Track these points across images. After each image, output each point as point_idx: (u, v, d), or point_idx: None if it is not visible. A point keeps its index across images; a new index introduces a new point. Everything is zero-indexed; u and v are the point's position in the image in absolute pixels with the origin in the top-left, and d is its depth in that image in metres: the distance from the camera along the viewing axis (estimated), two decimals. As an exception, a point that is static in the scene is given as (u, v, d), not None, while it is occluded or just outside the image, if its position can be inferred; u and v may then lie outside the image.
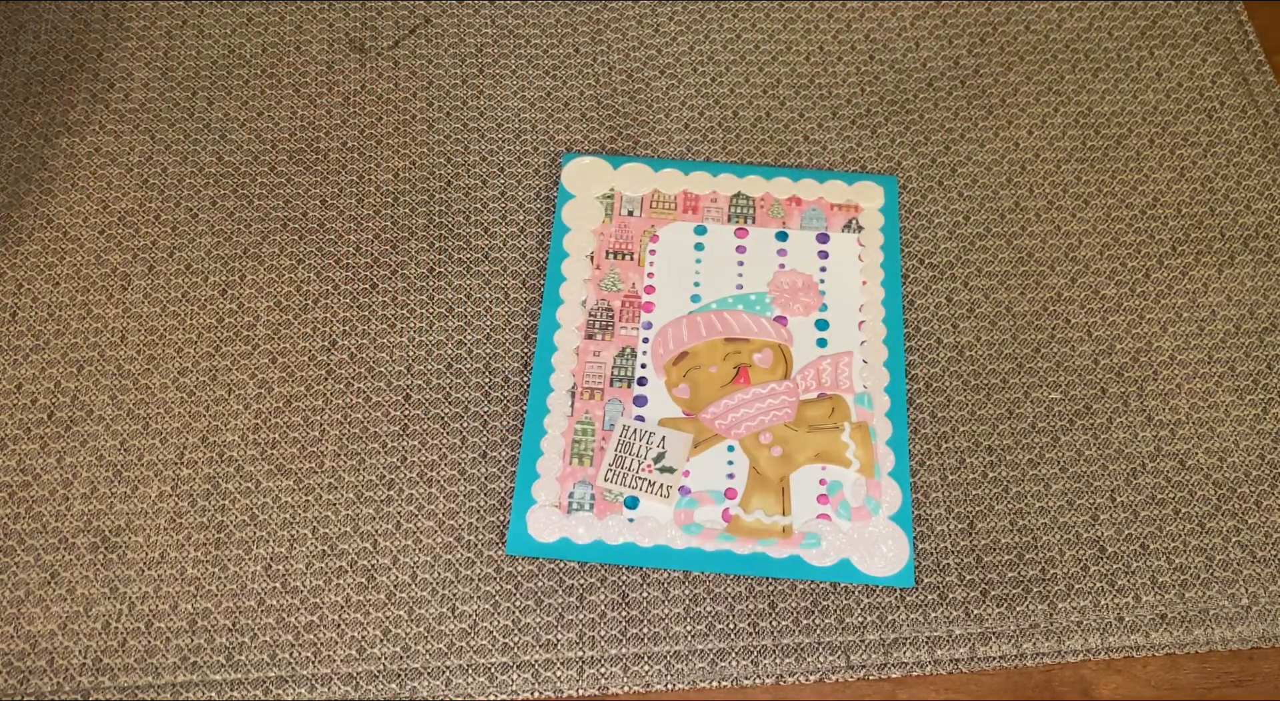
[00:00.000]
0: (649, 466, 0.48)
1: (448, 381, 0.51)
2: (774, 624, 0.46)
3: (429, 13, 0.62)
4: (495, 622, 0.46)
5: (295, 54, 0.60)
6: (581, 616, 0.46)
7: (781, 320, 0.52)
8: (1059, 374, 0.51)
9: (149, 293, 0.53)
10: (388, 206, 0.55)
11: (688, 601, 0.47)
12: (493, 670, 0.45)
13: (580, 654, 0.46)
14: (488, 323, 0.53)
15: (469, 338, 0.52)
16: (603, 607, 0.46)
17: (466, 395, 0.51)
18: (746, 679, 0.45)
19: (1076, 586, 0.47)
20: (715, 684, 0.45)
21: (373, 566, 0.47)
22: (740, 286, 0.53)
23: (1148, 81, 0.59)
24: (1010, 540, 0.48)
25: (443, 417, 0.51)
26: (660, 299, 0.53)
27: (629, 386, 0.51)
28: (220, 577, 0.47)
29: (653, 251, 0.54)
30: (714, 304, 0.53)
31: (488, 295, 0.53)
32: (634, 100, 0.58)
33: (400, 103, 0.58)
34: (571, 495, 0.48)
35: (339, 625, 0.46)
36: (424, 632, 0.46)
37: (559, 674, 0.45)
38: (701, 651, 0.46)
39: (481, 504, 0.49)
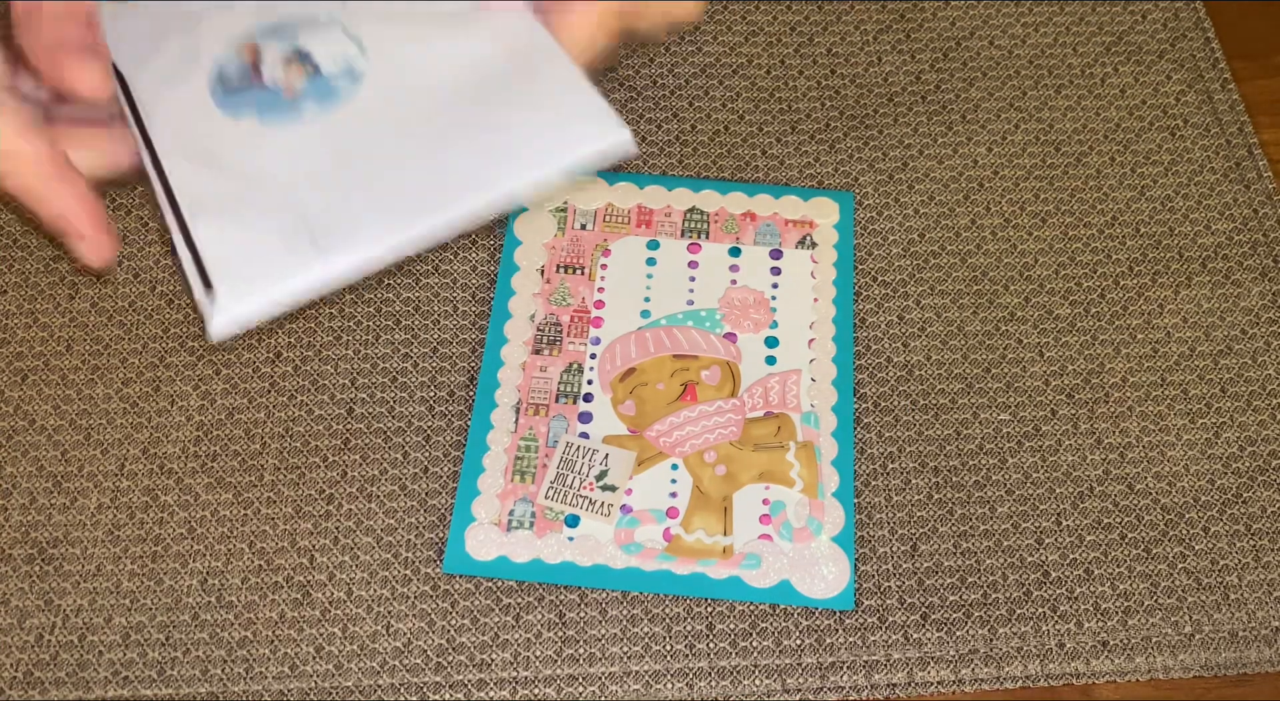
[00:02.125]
0: (590, 484, 0.48)
1: (392, 395, 0.51)
2: (711, 646, 0.46)
3: None
4: (430, 641, 0.46)
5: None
6: (517, 636, 0.46)
7: (731, 337, 0.52)
8: (1009, 395, 0.51)
9: (96, 302, 0.53)
10: (336, 218, 0.54)
11: (625, 622, 0.46)
12: (425, 689, 0.45)
13: (514, 674, 0.45)
14: (435, 336, 0.52)
15: (415, 351, 0.52)
16: (539, 627, 0.46)
17: (410, 409, 0.51)
18: (681, 701, 0.45)
19: (1018, 611, 0.46)
20: (649, 706, 0.45)
21: (308, 582, 0.47)
22: (691, 302, 0.53)
23: (1111, 98, 0.58)
24: (953, 563, 0.47)
25: (385, 432, 0.50)
26: (609, 314, 0.52)
27: (575, 403, 0.50)
28: (155, 591, 0.47)
29: (604, 266, 0.54)
30: (664, 320, 0.52)
31: (436, 308, 0.53)
32: (589, 113, 0.57)
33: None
34: (512, 513, 0.48)
35: (272, 641, 0.46)
36: (357, 650, 0.46)
37: (491, 694, 0.45)
38: (637, 672, 0.45)
39: (421, 520, 0.48)
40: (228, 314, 0.36)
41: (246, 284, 0.37)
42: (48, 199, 0.40)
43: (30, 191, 0.40)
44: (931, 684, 0.45)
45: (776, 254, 0.54)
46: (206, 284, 0.37)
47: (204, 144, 0.41)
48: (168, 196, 0.40)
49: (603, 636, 0.46)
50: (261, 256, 0.38)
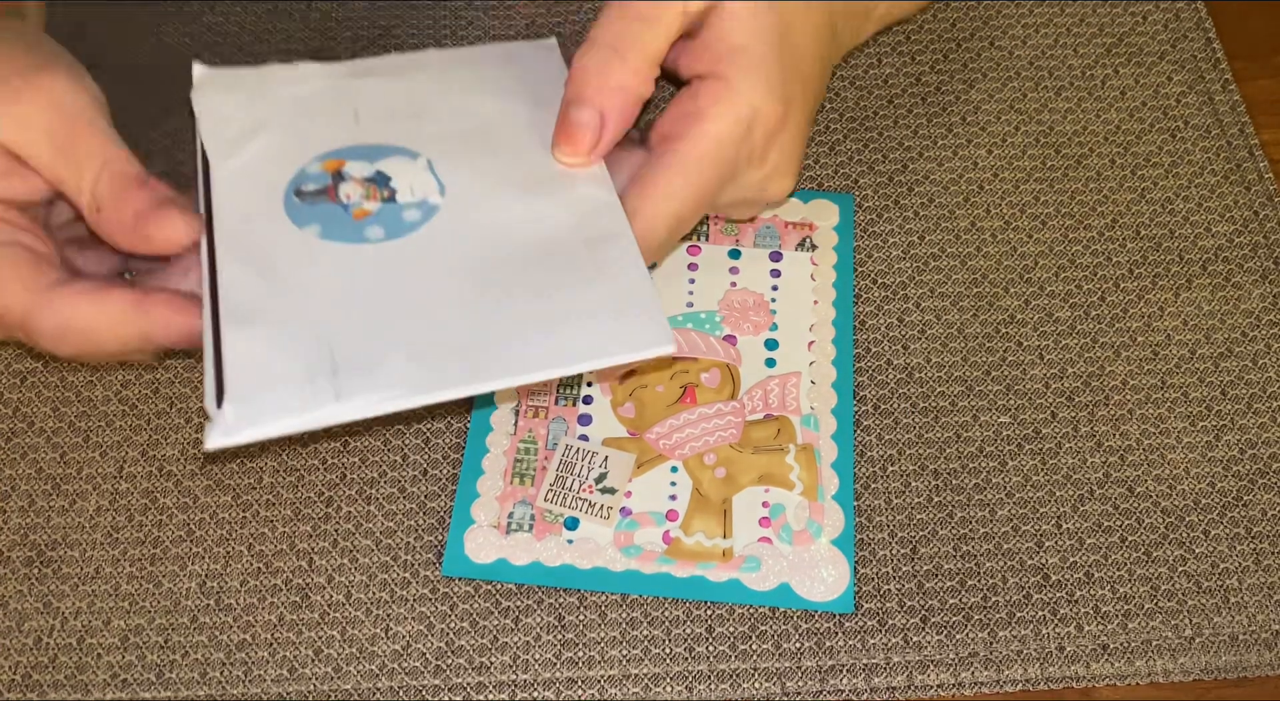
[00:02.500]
0: (590, 487, 0.48)
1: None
2: (710, 649, 0.46)
3: (388, 23, 0.61)
4: (429, 644, 0.46)
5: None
6: (516, 639, 0.46)
7: (731, 339, 0.52)
8: (1009, 398, 0.51)
9: (95, 304, 0.53)
10: (336, 220, 0.54)
11: (624, 625, 0.46)
12: (424, 692, 0.45)
13: (513, 677, 0.45)
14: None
15: (414, 353, 0.52)
16: (538, 630, 0.46)
17: (410, 412, 0.50)
18: (680, 704, 0.45)
19: (1018, 614, 0.46)
20: (649, 709, 0.45)
21: (307, 585, 0.47)
22: (690, 304, 0.53)
23: (1111, 100, 0.58)
24: (953, 566, 0.47)
25: (384, 434, 0.50)
26: (609, 316, 0.52)
27: (574, 405, 0.50)
28: (154, 593, 0.47)
29: (604, 268, 0.54)
30: (663, 322, 0.52)
31: (435, 310, 0.53)
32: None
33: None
34: (511, 515, 0.48)
35: (271, 644, 0.46)
36: (356, 653, 0.46)
37: (490, 696, 0.45)
38: (636, 676, 0.45)
39: (420, 523, 0.48)
40: (230, 437, 0.37)
41: (257, 412, 0.37)
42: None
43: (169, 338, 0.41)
44: (931, 687, 0.45)
45: (776, 256, 0.54)
46: (220, 395, 0.37)
47: (261, 246, 0.41)
48: (212, 293, 0.40)
49: (602, 639, 0.46)
50: (280, 387, 0.37)
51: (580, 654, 0.46)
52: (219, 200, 0.43)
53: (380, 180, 0.43)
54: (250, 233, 0.42)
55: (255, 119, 0.45)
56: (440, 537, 0.48)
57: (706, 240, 0.54)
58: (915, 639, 0.46)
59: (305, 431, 0.37)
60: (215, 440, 0.36)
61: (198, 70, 0.47)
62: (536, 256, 0.41)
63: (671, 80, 0.46)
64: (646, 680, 0.45)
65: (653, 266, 0.49)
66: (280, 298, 0.40)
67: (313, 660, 0.46)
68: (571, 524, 0.47)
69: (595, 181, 0.44)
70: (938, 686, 0.45)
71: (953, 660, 0.45)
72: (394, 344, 0.38)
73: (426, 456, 0.50)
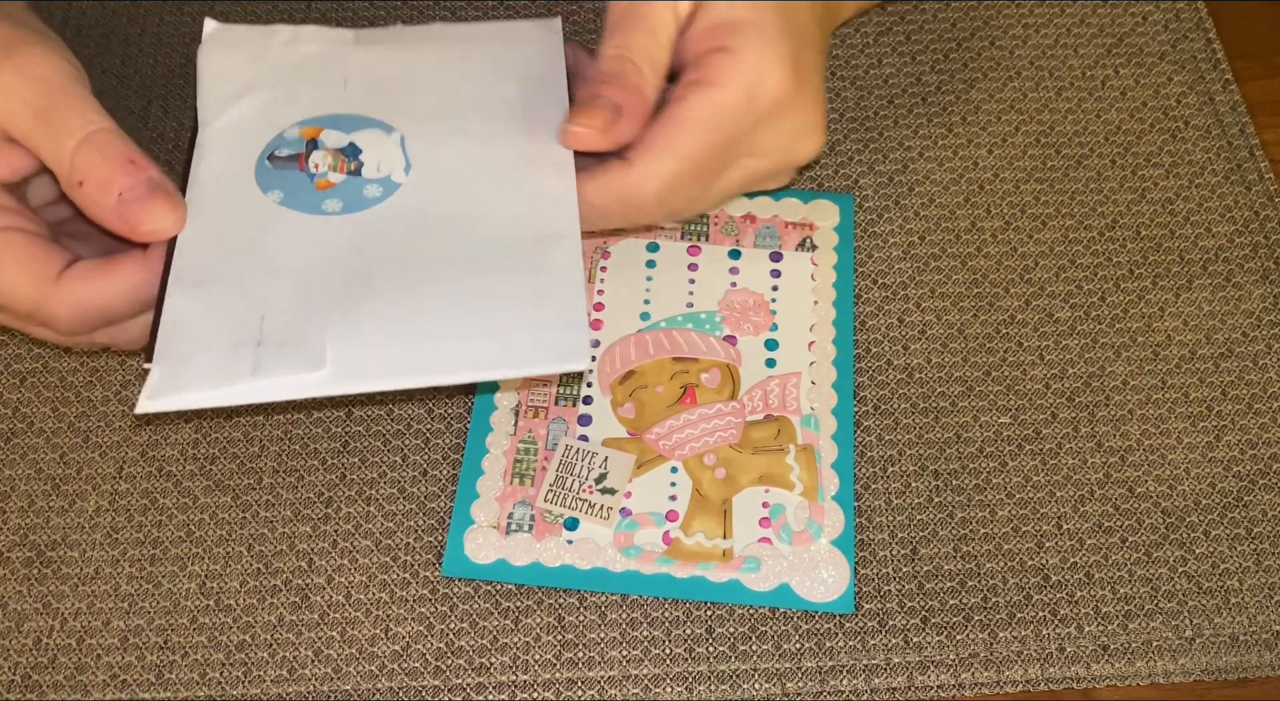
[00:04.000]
0: (590, 487, 0.48)
1: (390, 398, 0.51)
2: (710, 649, 0.46)
3: (388, 23, 0.61)
4: (428, 645, 0.46)
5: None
6: (516, 639, 0.46)
7: (731, 340, 0.52)
8: (1009, 398, 0.51)
9: (95, 304, 0.53)
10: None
11: (624, 625, 0.46)
12: (423, 693, 0.45)
13: (513, 677, 0.45)
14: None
15: (414, 354, 0.52)
16: (538, 630, 0.46)
17: (409, 412, 0.51)
18: (680, 705, 0.45)
19: (1018, 615, 0.46)
20: (649, 710, 0.45)
21: (307, 585, 0.47)
22: (690, 305, 0.53)
23: (1112, 100, 0.58)
24: (953, 567, 0.47)
25: (384, 434, 0.50)
26: (609, 316, 0.52)
27: (574, 405, 0.50)
28: (154, 594, 0.47)
29: (604, 268, 0.54)
30: (663, 322, 0.52)
31: (435, 310, 0.53)
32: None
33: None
34: (511, 516, 0.48)
35: (270, 645, 0.46)
36: (356, 654, 0.46)
37: (490, 697, 0.45)
38: (636, 677, 0.45)
39: (420, 523, 0.48)
40: (155, 402, 0.38)
41: (181, 379, 0.38)
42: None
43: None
44: (931, 687, 0.45)
45: (776, 256, 0.54)
46: (149, 355, 0.38)
47: (223, 207, 0.42)
48: (169, 251, 0.41)
49: (602, 640, 0.46)
50: (206, 354, 0.38)
51: (580, 654, 0.46)
52: (202, 156, 0.43)
53: (350, 152, 0.44)
54: (217, 193, 0.43)
55: (250, 77, 0.46)
56: (440, 538, 0.48)
57: (706, 240, 0.54)
58: (915, 639, 0.46)
59: (227, 405, 0.38)
60: (142, 405, 0.38)
61: (209, 25, 0.48)
62: (482, 250, 0.42)
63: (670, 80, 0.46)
64: (646, 681, 0.45)
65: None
66: (228, 261, 0.41)
67: (312, 661, 0.45)
68: (571, 524, 0.47)
69: (559, 174, 0.44)
70: (938, 687, 0.45)
71: (953, 661, 0.45)
72: (321, 324, 0.39)
73: (426, 456, 0.50)
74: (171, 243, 0.41)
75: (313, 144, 0.44)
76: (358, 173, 0.43)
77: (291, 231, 0.42)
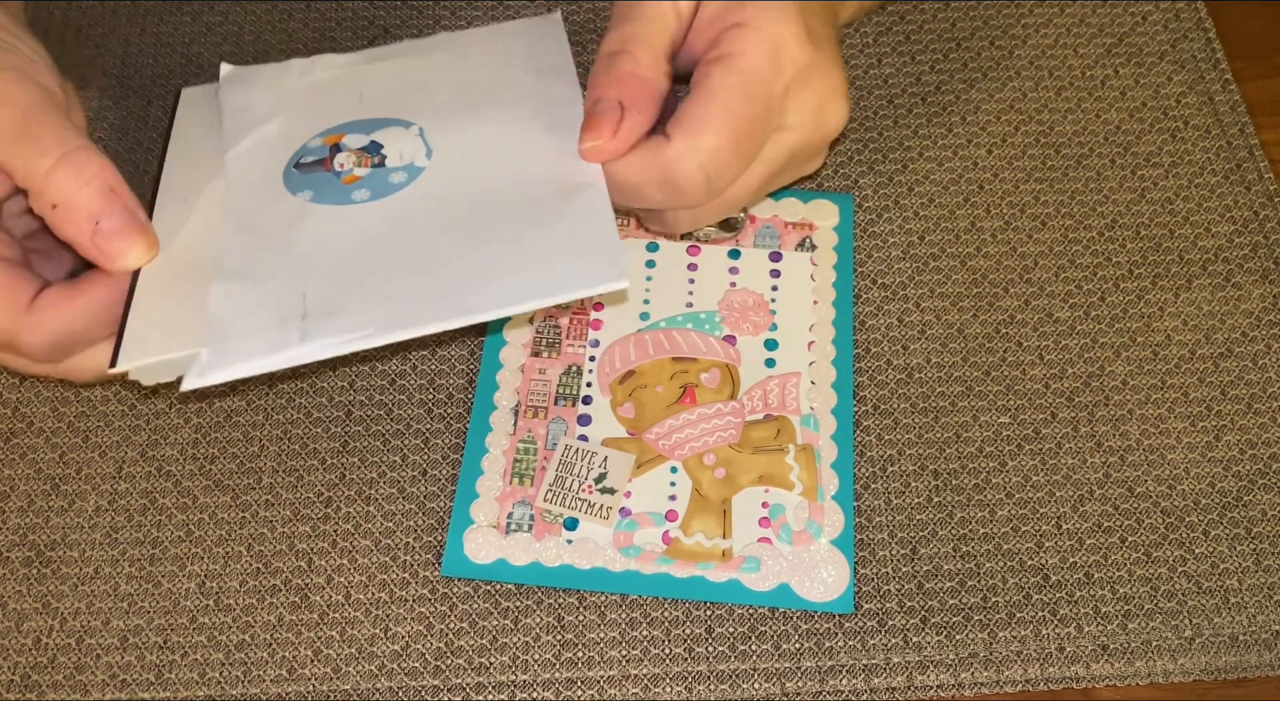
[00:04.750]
0: (589, 487, 0.48)
1: (390, 398, 0.51)
2: (710, 649, 0.46)
3: (388, 23, 0.61)
4: (428, 644, 0.46)
5: (253, 63, 0.60)
6: (515, 639, 0.46)
7: (730, 339, 0.52)
8: (1009, 398, 0.51)
9: (94, 304, 0.53)
10: (335, 220, 0.54)
11: (624, 625, 0.46)
12: (423, 692, 0.45)
13: (512, 677, 0.45)
14: (433, 338, 0.52)
15: (414, 353, 0.52)
16: (537, 630, 0.46)
17: (409, 412, 0.51)
18: (680, 705, 0.45)
19: (1018, 615, 0.46)
20: (648, 709, 0.45)
21: (306, 585, 0.47)
22: (690, 305, 0.53)
23: (1111, 100, 0.58)
24: (953, 566, 0.47)
25: (384, 434, 0.50)
26: (609, 316, 0.52)
27: (574, 405, 0.50)
28: (153, 594, 0.47)
29: (603, 268, 0.53)
30: (663, 322, 0.52)
31: (435, 310, 0.53)
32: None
33: (352, 115, 0.57)
34: (510, 515, 0.48)
35: (270, 644, 0.46)
36: (355, 654, 0.46)
37: (490, 697, 0.45)
38: (635, 676, 0.45)
39: (419, 523, 0.48)
40: (204, 378, 0.39)
41: (229, 355, 0.40)
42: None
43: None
44: (931, 687, 0.45)
45: (776, 256, 0.54)
46: (115, 356, 0.40)
47: (258, 212, 0.44)
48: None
49: (601, 639, 0.46)
50: (253, 333, 0.40)
51: (580, 654, 0.46)
52: (229, 178, 0.46)
53: (372, 149, 0.46)
54: (251, 200, 0.45)
55: (270, 106, 0.48)
56: (440, 538, 0.48)
57: (706, 241, 0.54)
58: (915, 639, 0.46)
59: (276, 370, 0.40)
60: (190, 382, 0.39)
61: (225, 69, 0.51)
62: (509, 207, 0.43)
63: (686, 79, 0.46)
64: (646, 680, 0.45)
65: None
66: (268, 255, 0.43)
67: (312, 660, 0.45)
68: (571, 524, 0.47)
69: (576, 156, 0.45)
70: (937, 687, 0.45)
71: (952, 660, 0.45)
72: (362, 290, 0.41)
73: (426, 456, 0.50)
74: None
75: (335, 148, 0.46)
76: (382, 165, 0.45)
77: (324, 223, 0.43)
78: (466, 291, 0.40)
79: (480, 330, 0.52)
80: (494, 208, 0.43)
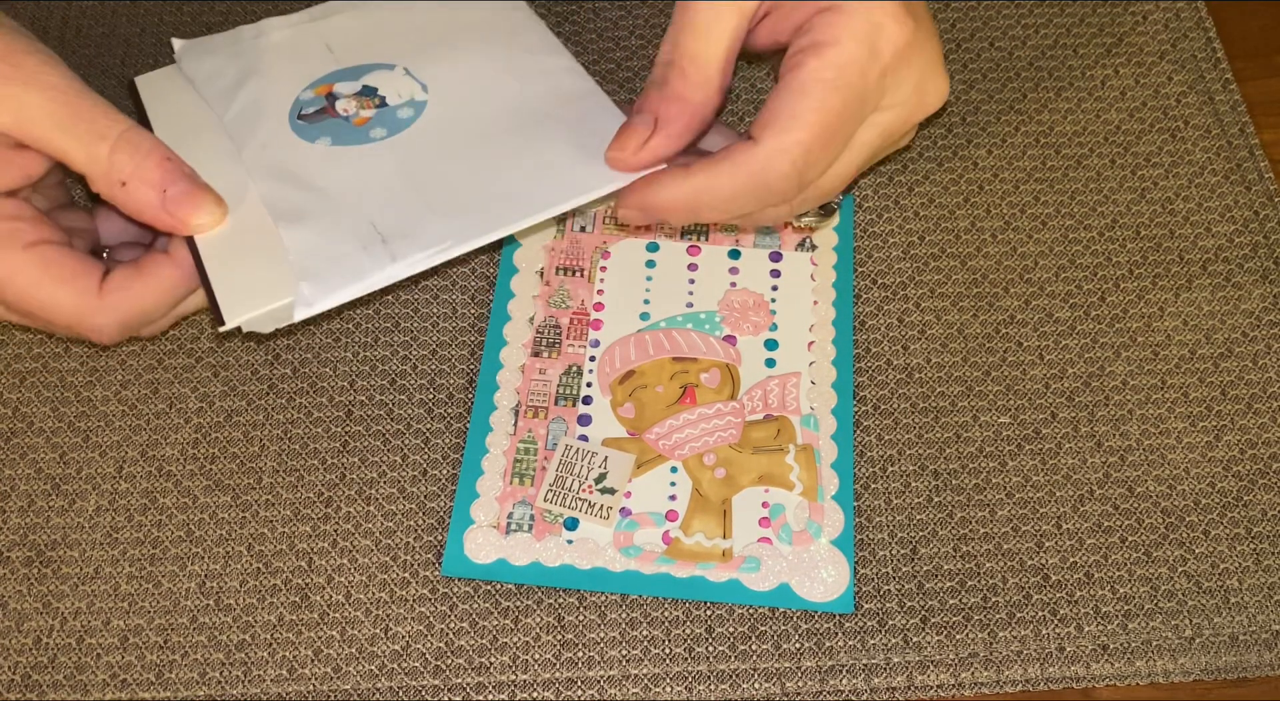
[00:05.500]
0: (589, 487, 0.48)
1: (390, 398, 0.51)
2: (710, 649, 0.46)
3: (388, 23, 0.61)
4: (428, 644, 0.46)
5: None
6: (516, 639, 0.46)
7: (730, 339, 0.52)
8: (1009, 398, 0.51)
9: (95, 304, 0.53)
10: (335, 220, 0.54)
11: (624, 625, 0.46)
12: (423, 692, 0.45)
13: (512, 677, 0.45)
14: (434, 338, 0.52)
15: (414, 353, 0.52)
16: (538, 630, 0.46)
17: (409, 412, 0.51)
18: (680, 705, 0.45)
19: (1018, 615, 0.46)
20: (648, 709, 0.45)
21: (307, 585, 0.47)
22: (690, 305, 0.53)
23: (1111, 100, 0.58)
24: (953, 566, 0.47)
25: (384, 434, 0.50)
26: (609, 316, 0.52)
27: (574, 405, 0.50)
28: (154, 594, 0.47)
29: (604, 268, 0.54)
30: (663, 322, 0.52)
31: (435, 310, 0.53)
32: (588, 115, 0.57)
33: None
34: (511, 515, 0.48)
35: (270, 644, 0.46)
36: (355, 653, 0.46)
37: (490, 697, 0.45)
38: (636, 676, 0.45)
39: (420, 523, 0.48)
40: (312, 308, 0.42)
41: (328, 284, 0.42)
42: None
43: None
44: (931, 687, 0.45)
45: (776, 256, 0.54)
46: (216, 311, 0.42)
47: (283, 163, 0.46)
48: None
49: (601, 639, 0.46)
50: (341, 261, 0.43)
51: (580, 654, 0.46)
52: (236, 138, 0.48)
53: (369, 92, 0.49)
54: (269, 154, 0.47)
55: (240, 69, 0.50)
56: (440, 538, 0.48)
57: (706, 240, 0.54)
58: (915, 639, 0.46)
59: (373, 291, 0.43)
60: (300, 313, 0.42)
61: (177, 43, 0.52)
62: (521, 120, 0.47)
63: (761, 58, 0.45)
64: (646, 680, 0.45)
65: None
66: (314, 197, 0.45)
67: (312, 660, 0.45)
68: (571, 524, 0.47)
69: (570, 74, 0.49)
70: (938, 687, 0.45)
71: (953, 660, 0.45)
72: (427, 209, 0.44)
73: (426, 456, 0.50)
74: (190, 239, 0.44)
75: (331, 97, 0.49)
76: (384, 104, 0.48)
77: (353, 163, 0.46)
78: (521, 196, 0.44)
79: (485, 307, 0.52)
80: (507, 122, 0.47)
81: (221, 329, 0.41)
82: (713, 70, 0.42)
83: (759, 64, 0.45)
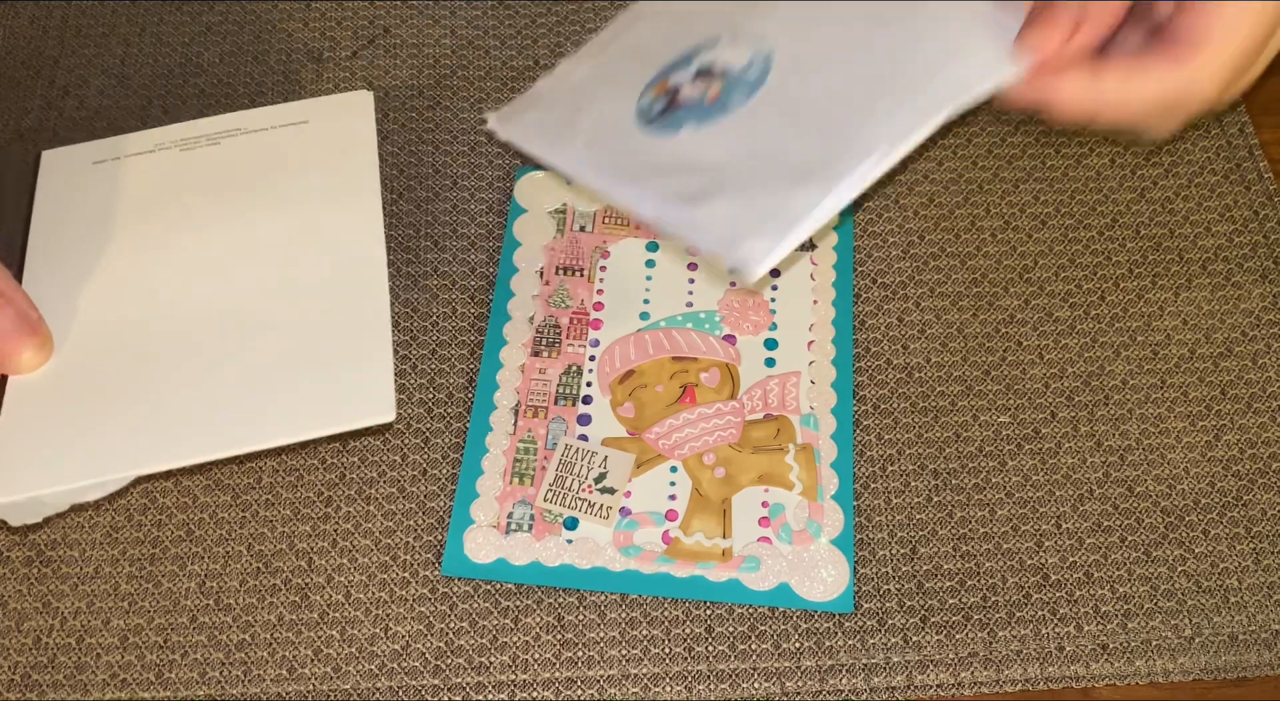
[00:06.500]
0: (589, 487, 0.48)
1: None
2: (710, 649, 0.46)
3: (388, 23, 0.61)
4: (428, 644, 0.46)
5: (253, 64, 0.60)
6: (515, 639, 0.46)
7: (730, 339, 0.52)
8: (1009, 397, 0.51)
9: (94, 304, 0.53)
10: (335, 220, 0.54)
11: (624, 624, 0.46)
12: (423, 692, 0.45)
13: (512, 677, 0.45)
14: (434, 338, 0.52)
15: (414, 353, 0.52)
16: (537, 630, 0.46)
17: (409, 411, 0.51)
18: (680, 704, 0.45)
19: (1018, 614, 0.46)
20: (648, 709, 0.45)
21: (307, 585, 0.47)
22: (690, 304, 0.53)
23: (1111, 100, 0.58)
24: (952, 566, 0.47)
25: (384, 433, 0.50)
26: (609, 316, 0.52)
27: (573, 405, 0.50)
28: (154, 593, 0.47)
29: (603, 268, 0.54)
30: (663, 321, 0.52)
31: (435, 310, 0.53)
32: (588, 114, 0.57)
33: (352, 114, 0.57)
34: (510, 515, 0.48)
35: (270, 644, 0.46)
36: (355, 653, 0.46)
37: (490, 696, 0.45)
38: (635, 676, 0.45)
39: (419, 522, 0.48)
40: (763, 263, 0.40)
41: (778, 234, 0.41)
42: None
43: None
44: (931, 687, 0.45)
45: (776, 256, 0.54)
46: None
47: (660, 162, 0.45)
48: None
49: (601, 639, 0.46)
50: (779, 211, 0.41)
51: (580, 654, 0.46)
52: (578, 169, 0.47)
53: (705, 71, 0.47)
54: (641, 159, 0.45)
55: (561, 115, 0.49)
56: (440, 537, 0.48)
57: (706, 240, 0.54)
58: (915, 639, 0.46)
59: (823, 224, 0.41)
60: (755, 271, 0.41)
61: (490, 117, 0.50)
62: (881, 12, 0.43)
63: None
64: (646, 680, 0.45)
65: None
66: (712, 174, 0.43)
67: (312, 660, 0.45)
68: (571, 524, 0.47)
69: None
70: (937, 686, 0.45)
71: (952, 660, 0.45)
72: (832, 136, 0.42)
73: (426, 456, 0.50)
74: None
75: (671, 91, 0.47)
76: (728, 74, 0.46)
77: (731, 131, 0.44)
78: (920, 87, 0.41)
79: (485, 307, 0.52)
80: (864, 27, 0.44)
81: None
82: None
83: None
